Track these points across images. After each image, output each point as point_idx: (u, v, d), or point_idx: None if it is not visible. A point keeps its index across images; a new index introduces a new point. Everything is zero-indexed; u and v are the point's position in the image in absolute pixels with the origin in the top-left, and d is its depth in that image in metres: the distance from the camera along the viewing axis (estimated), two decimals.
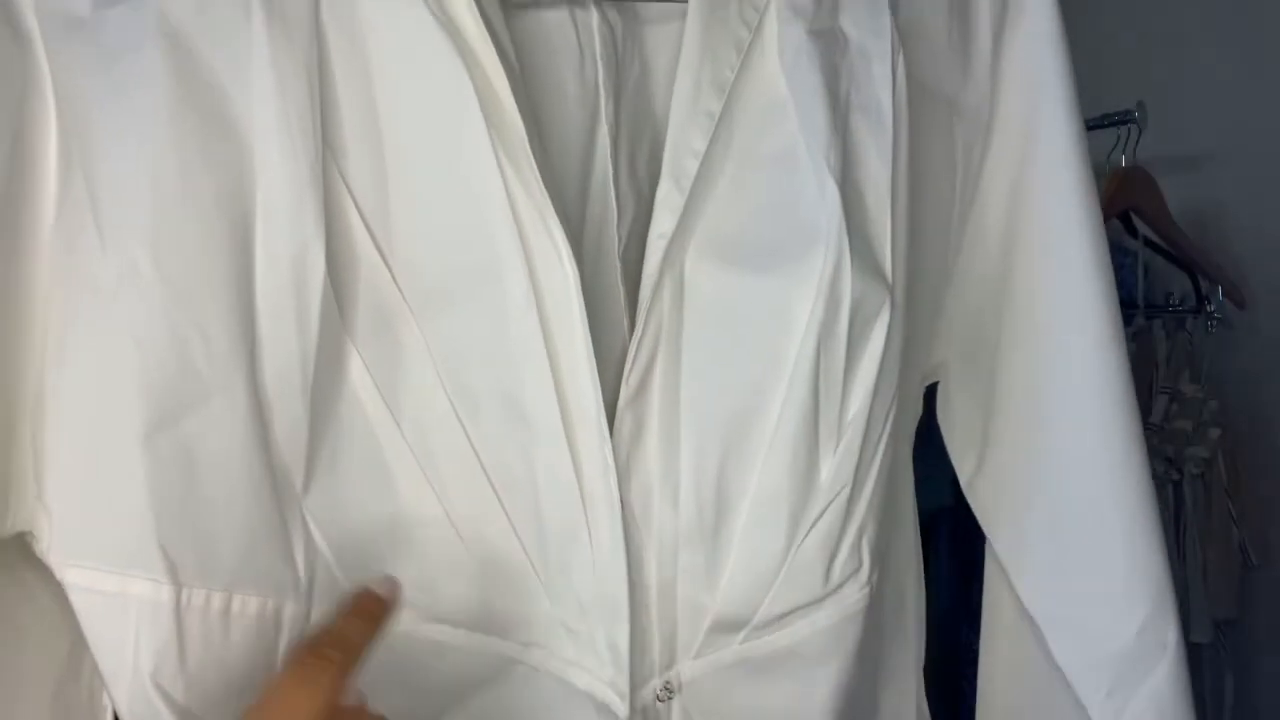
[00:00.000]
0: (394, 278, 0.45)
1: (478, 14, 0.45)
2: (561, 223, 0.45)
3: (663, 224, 0.48)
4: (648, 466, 0.49)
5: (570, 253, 0.45)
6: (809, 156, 0.50)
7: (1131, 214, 1.38)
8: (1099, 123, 1.37)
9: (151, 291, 0.42)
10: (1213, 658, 1.38)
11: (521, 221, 0.45)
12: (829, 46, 0.51)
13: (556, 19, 0.50)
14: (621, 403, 0.48)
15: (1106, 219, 1.34)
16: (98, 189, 0.42)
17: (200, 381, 0.42)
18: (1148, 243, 1.41)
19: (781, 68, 0.50)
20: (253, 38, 0.43)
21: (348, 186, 0.45)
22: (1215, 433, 1.34)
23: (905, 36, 0.53)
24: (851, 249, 0.48)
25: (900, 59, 0.52)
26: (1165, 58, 1.54)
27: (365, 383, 0.46)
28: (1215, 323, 1.41)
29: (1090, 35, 1.61)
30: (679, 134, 0.49)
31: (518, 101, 0.45)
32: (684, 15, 0.50)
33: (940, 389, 0.64)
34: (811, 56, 0.50)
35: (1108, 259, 0.58)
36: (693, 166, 0.48)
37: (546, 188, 0.45)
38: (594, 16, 0.51)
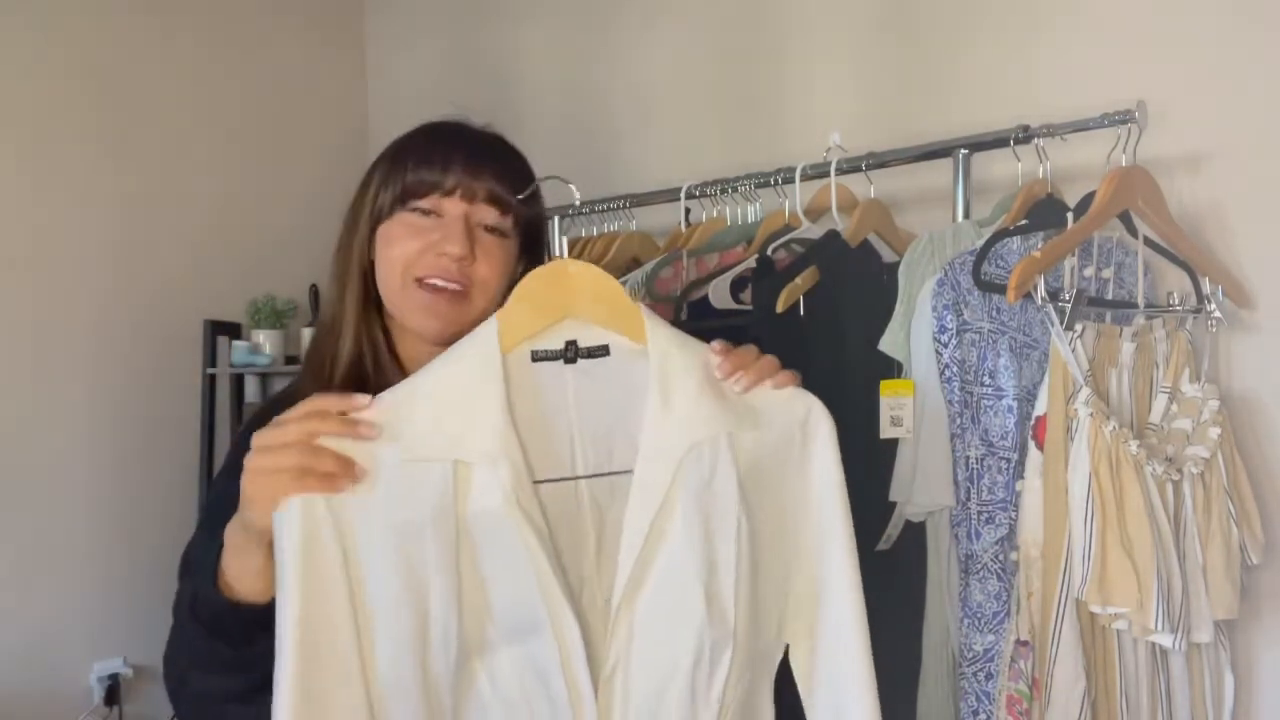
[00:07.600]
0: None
1: (530, 499, 0.87)
2: (569, 601, 0.86)
3: (620, 584, 0.88)
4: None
5: (573, 618, 0.86)
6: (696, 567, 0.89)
7: (1131, 214, 1.39)
8: (1099, 123, 1.37)
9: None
10: (1213, 658, 1.38)
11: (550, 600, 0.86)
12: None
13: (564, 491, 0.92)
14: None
15: (1107, 219, 1.34)
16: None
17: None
18: (1148, 242, 1.41)
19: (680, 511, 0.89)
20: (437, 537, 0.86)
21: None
22: (1215, 433, 1.34)
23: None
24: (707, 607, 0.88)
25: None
26: (1165, 58, 1.54)
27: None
28: (1215, 322, 1.41)
29: (1089, 35, 1.61)
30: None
31: (543, 544, 0.86)
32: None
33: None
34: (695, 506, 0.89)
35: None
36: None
37: (561, 589, 0.86)
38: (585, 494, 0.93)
